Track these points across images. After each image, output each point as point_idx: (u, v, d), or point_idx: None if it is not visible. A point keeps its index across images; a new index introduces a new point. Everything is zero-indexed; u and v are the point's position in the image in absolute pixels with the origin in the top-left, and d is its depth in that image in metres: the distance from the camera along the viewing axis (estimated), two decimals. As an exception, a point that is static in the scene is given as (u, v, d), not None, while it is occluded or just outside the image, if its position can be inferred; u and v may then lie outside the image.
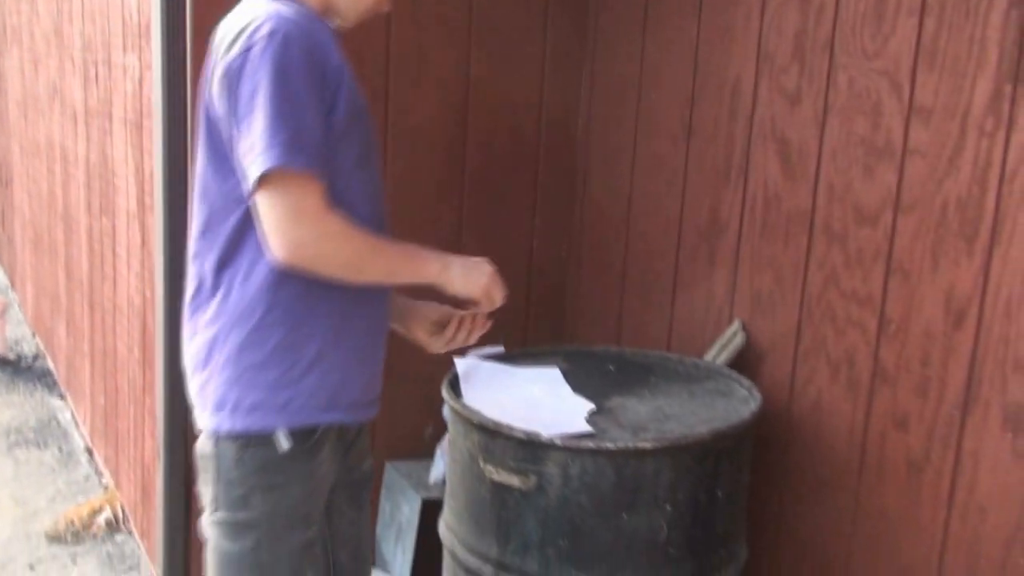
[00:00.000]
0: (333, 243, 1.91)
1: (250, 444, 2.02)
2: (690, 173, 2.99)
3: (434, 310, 2.33)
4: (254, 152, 1.85)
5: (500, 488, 2.29)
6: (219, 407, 2.04)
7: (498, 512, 2.30)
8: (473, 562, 2.38)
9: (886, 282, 2.36)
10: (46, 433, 5.60)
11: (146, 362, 3.77)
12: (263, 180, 1.85)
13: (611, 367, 2.77)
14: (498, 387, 2.47)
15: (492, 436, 2.29)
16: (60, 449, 5.37)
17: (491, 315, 2.25)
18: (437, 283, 2.10)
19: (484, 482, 2.32)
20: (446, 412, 2.70)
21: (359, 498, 2.33)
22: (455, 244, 3.38)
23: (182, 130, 3.04)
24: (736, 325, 2.76)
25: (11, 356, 6.98)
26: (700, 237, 2.95)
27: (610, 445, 2.18)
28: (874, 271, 2.39)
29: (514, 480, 2.25)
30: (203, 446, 2.10)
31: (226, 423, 2.03)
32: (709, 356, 2.79)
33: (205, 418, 2.08)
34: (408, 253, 2.05)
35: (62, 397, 6.11)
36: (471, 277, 2.13)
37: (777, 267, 2.67)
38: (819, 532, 2.58)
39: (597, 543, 2.22)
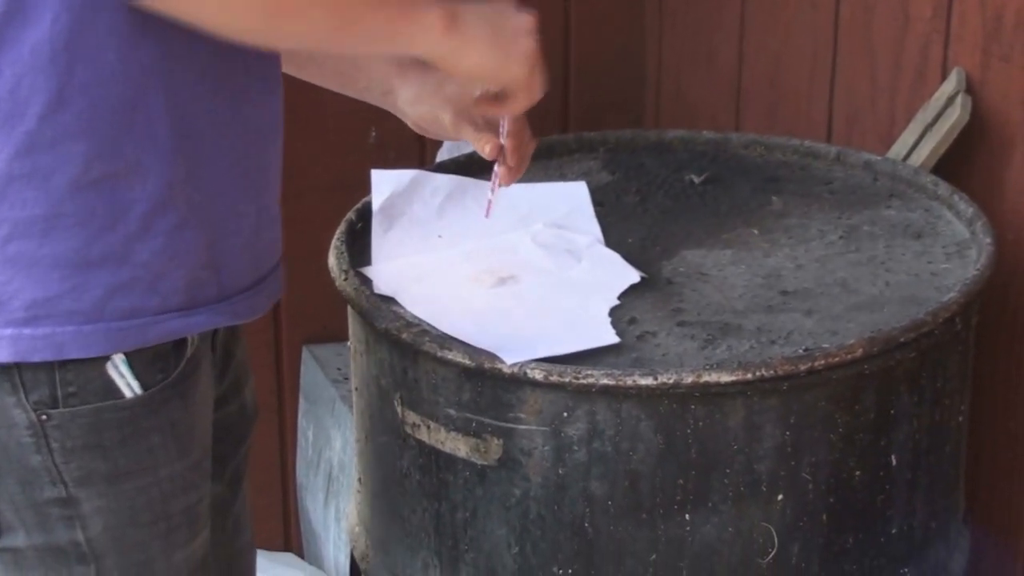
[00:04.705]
0: None
1: (57, 398, 1.06)
2: None
3: (452, 81, 1.25)
4: None
5: (434, 458, 1.22)
6: None
7: (434, 504, 1.24)
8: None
9: None
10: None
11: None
12: None
13: (693, 176, 1.58)
14: (454, 229, 1.34)
15: (413, 358, 1.20)
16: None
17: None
18: (434, 53, 1.08)
19: (405, 444, 1.25)
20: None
21: (236, 466, 1.32)
22: None
23: None
24: (954, 80, 1.62)
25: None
26: None
27: (647, 380, 1.06)
28: None
29: (459, 446, 1.18)
30: None
31: None
32: (897, 148, 1.64)
33: None
34: None
35: None
36: (502, 41, 1.09)
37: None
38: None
39: (629, 567, 1.13)
